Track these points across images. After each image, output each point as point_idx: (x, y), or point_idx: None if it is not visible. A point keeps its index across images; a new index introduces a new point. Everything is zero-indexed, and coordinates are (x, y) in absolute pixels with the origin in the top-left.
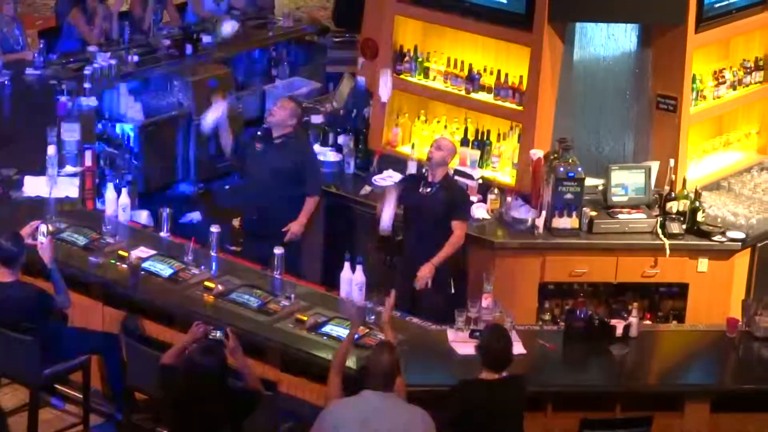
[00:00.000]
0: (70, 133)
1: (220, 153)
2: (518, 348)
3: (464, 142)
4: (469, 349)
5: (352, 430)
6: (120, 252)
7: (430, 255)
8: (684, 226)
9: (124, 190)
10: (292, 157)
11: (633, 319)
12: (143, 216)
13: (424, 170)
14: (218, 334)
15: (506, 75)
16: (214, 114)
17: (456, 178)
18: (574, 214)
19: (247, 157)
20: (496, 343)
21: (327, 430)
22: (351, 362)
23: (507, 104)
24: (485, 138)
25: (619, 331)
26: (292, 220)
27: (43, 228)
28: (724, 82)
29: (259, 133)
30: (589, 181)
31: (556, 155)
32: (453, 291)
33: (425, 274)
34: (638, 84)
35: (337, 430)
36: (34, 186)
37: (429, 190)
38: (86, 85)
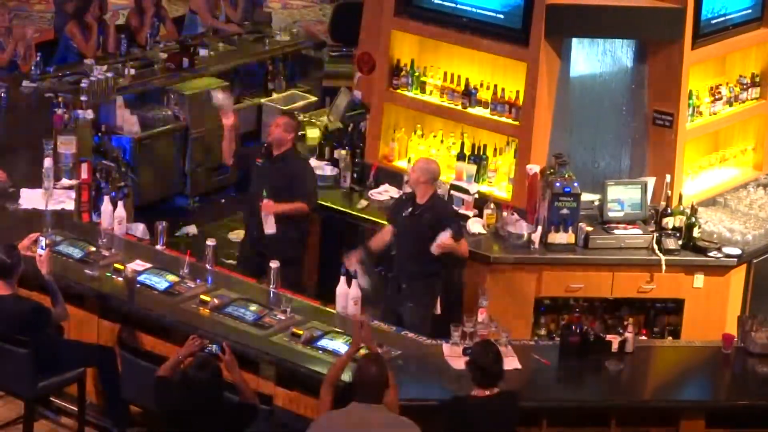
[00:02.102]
0: (67, 145)
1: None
2: (513, 363)
3: (460, 156)
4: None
5: None
6: (116, 265)
7: (416, 275)
8: (680, 242)
9: (120, 203)
10: (290, 173)
11: (629, 335)
12: (139, 229)
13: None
14: (214, 347)
15: (503, 90)
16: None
17: (452, 193)
18: (570, 229)
19: (249, 174)
20: (485, 359)
21: None
22: (345, 376)
23: (503, 119)
24: (481, 153)
25: (615, 347)
26: (291, 238)
27: (41, 240)
28: (721, 98)
29: (263, 151)
30: (586, 197)
31: (552, 170)
32: (439, 311)
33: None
34: (635, 99)
35: None
36: (30, 198)
37: (411, 210)
38: (83, 98)
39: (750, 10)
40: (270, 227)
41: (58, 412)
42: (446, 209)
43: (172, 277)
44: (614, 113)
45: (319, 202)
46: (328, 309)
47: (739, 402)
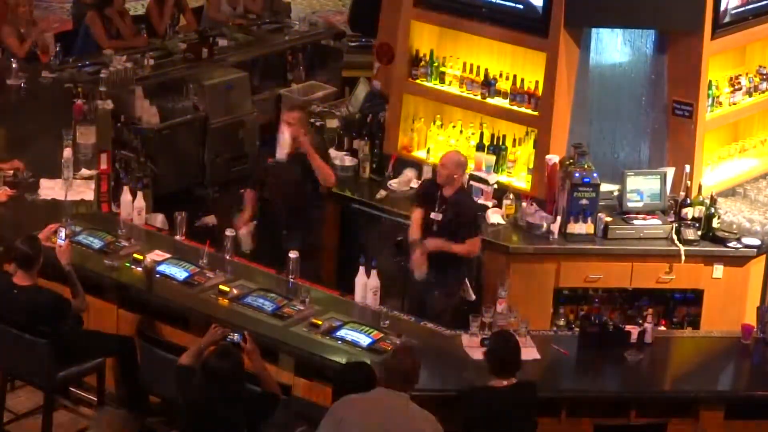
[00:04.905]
0: (86, 136)
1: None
2: (533, 353)
3: (480, 147)
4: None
5: (354, 424)
6: (135, 255)
7: (442, 267)
8: (699, 233)
9: (140, 194)
10: (301, 166)
11: (648, 325)
12: (158, 219)
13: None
14: (236, 336)
15: (522, 80)
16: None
17: (471, 183)
18: (589, 219)
19: (261, 174)
20: (502, 348)
21: (333, 421)
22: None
23: (522, 109)
24: (501, 143)
25: (634, 337)
26: (306, 234)
27: (61, 231)
28: (740, 89)
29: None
30: (605, 187)
31: (571, 160)
32: (473, 297)
33: (419, 255)
34: (654, 90)
35: (341, 422)
36: (49, 189)
37: (438, 209)
38: (102, 88)
39: None
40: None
41: (78, 402)
42: (468, 208)
43: (191, 267)
44: (634, 103)
45: (338, 192)
46: (347, 299)
47: (759, 393)
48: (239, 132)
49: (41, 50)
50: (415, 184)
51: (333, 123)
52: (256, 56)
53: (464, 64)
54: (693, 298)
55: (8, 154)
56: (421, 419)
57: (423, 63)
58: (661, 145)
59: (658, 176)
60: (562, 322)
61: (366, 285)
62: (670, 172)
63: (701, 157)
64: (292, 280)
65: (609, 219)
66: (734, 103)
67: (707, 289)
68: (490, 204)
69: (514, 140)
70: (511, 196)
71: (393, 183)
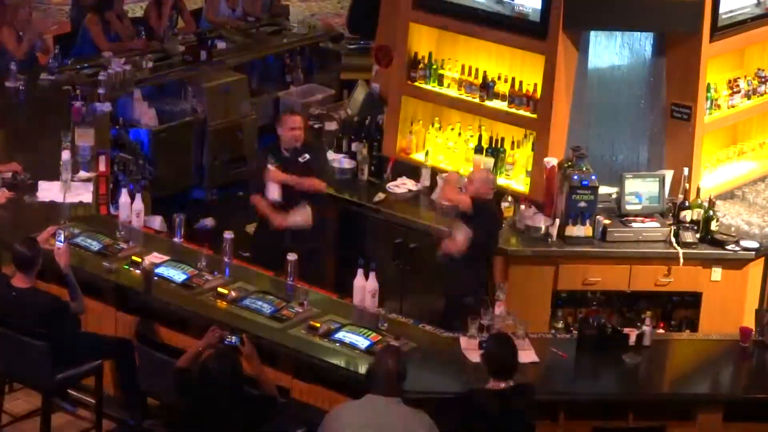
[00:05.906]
0: (85, 138)
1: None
2: (531, 356)
3: (478, 149)
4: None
5: None
6: (133, 257)
7: (465, 275)
8: (698, 235)
9: (138, 196)
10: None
11: (646, 328)
12: (157, 221)
13: None
14: (234, 339)
15: (520, 83)
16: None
17: None
18: (587, 222)
19: (262, 170)
20: (500, 351)
21: None
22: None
23: (521, 112)
24: (499, 146)
25: (632, 340)
26: (305, 231)
27: (60, 233)
28: (739, 91)
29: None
30: (603, 190)
31: (570, 163)
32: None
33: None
34: (653, 92)
35: None
36: (48, 191)
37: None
38: (101, 91)
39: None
40: (273, 194)
41: (76, 405)
42: (485, 218)
43: (189, 270)
44: (632, 106)
45: (337, 195)
46: (345, 302)
47: (757, 395)
48: (238, 134)
49: (42, 51)
50: (413, 186)
51: (331, 125)
52: (254, 59)
53: (463, 67)
54: (691, 301)
55: (7, 156)
56: (417, 421)
57: (421, 65)
58: (659, 147)
59: (657, 179)
60: (560, 325)
61: (365, 287)
62: (669, 174)
63: (700, 160)
64: (290, 282)
65: (607, 221)
66: (733, 106)
67: (706, 291)
68: None
69: (513, 143)
70: (510, 198)
71: (391, 185)
